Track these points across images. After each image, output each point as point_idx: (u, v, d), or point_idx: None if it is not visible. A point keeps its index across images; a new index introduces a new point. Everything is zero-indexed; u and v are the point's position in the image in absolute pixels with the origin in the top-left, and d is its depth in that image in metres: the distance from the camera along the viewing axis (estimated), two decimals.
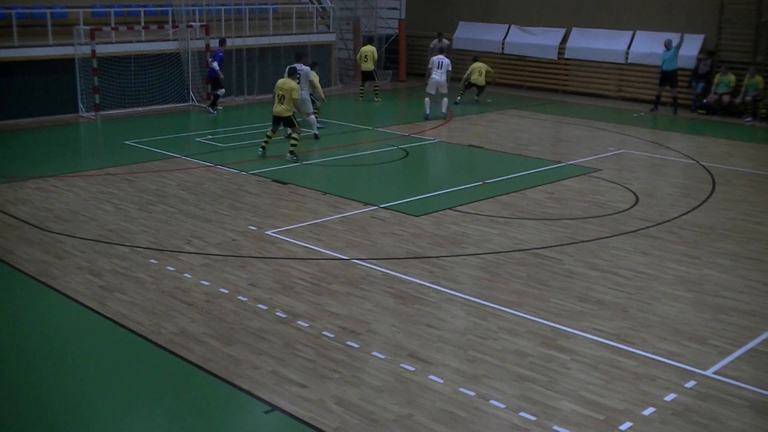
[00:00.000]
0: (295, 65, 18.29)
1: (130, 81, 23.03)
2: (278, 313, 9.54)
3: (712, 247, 12.21)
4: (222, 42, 23.29)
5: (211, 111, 22.72)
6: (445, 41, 27.58)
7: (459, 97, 25.65)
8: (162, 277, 10.63)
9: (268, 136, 17.75)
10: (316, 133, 19.39)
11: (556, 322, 9.40)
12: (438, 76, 22.42)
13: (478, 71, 25.58)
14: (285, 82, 17.30)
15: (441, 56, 22.85)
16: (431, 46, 27.46)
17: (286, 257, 11.44)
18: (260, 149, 17.71)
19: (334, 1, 29.41)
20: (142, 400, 7.73)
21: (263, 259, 11.37)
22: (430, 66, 22.96)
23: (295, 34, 27.14)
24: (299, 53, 19.87)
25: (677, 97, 24.49)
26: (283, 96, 17.21)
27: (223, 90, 22.93)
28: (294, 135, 17.48)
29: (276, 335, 8.98)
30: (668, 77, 24.36)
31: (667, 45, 24.15)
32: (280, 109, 17.29)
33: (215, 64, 22.68)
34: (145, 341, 8.85)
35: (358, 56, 26.63)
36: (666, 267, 11.32)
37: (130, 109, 22.82)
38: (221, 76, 22.75)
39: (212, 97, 23.04)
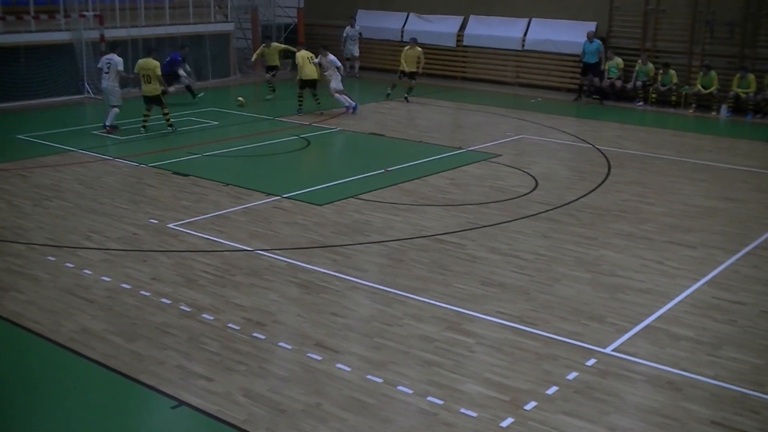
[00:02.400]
0: (107, 56, 19.38)
1: (21, 73, 22.27)
2: (182, 307, 9.43)
3: (608, 228, 12.57)
4: (182, 47, 23.58)
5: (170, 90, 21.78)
6: (358, 27, 27.56)
7: (390, 90, 24.57)
8: (60, 274, 10.37)
9: (145, 115, 18.90)
10: (110, 124, 18.91)
11: (460, 307, 9.54)
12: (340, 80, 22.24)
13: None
14: (147, 62, 18.61)
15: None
16: (345, 34, 27.36)
17: (188, 250, 11.30)
18: (142, 128, 18.88)
19: None
20: (43, 402, 7.53)
21: (165, 252, 11.20)
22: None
23: (192, 24, 26.71)
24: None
25: (602, 87, 24.73)
26: (149, 75, 18.36)
27: (173, 88, 22.32)
28: (164, 111, 18.81)
29: (180, 329, 8.87)
30: (591, 68, 24.69)
31: (590, 37, 24.54)
32: (148, 88, 18.60)
33: (180, 70, 22.79)
34: (45, 341, 8.62)
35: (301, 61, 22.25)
36: (565, 249, 11.61)
37: (21, 102, 22.07)
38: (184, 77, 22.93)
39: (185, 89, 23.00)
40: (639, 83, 24.21)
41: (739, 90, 22.61)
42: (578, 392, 7.71)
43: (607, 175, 15.81)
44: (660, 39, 24.66)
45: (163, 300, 9.62)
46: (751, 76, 22.46)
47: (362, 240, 11.81)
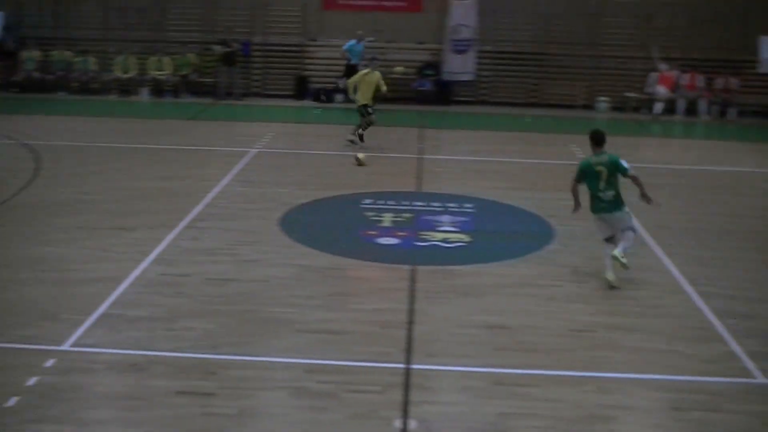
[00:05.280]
0: None
1: None
2: None
3: (50, 223, 12.25)
4: None
5: None
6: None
7: None
8: None
9: None
10: None
11: None
12: None
13: None
14: None
15: None
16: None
17: None
18: None
19: None
20: None
21: None
22: None
23: None
24: None
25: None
26: None
27: None
28: None
29: None
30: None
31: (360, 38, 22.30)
32: None
33: None
34: None
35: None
36: (6, 251, 11.07)
37: None
38: None
39: None
40: (60, 73, 23.99)
41: (156, 72, 23.58)
42: (43, 396, 7.45)
43: (39, 169, 15.37)
44: (75, 27, 24.53)
45: None
46: (167, 59, 23.52)
47: None
